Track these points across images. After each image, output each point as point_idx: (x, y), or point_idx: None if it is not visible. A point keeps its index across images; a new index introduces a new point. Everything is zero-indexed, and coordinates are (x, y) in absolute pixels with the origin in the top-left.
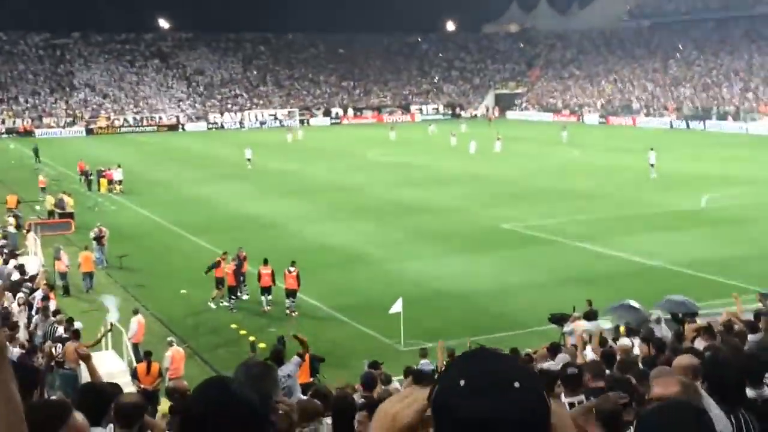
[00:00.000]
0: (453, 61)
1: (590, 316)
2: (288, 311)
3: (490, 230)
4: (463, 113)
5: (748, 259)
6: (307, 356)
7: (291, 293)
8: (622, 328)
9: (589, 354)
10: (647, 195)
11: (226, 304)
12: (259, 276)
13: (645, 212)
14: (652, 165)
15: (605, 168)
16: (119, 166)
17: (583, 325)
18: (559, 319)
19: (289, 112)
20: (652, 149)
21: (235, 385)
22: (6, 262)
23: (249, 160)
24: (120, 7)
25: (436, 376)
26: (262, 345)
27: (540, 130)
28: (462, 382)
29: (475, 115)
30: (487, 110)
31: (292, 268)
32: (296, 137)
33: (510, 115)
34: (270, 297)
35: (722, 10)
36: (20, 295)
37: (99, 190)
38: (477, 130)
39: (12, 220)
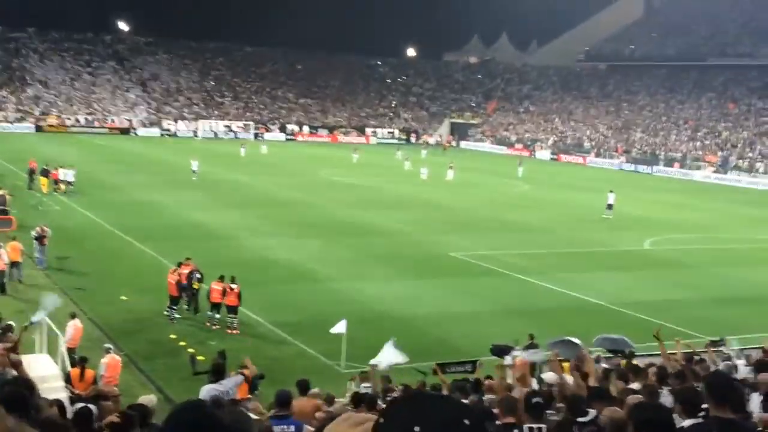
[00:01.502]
0: (411, 87)
1: (531, 349)
2: (228, 328)
3: (438, 257)
4: (428, 140)
5: (686, 303)
6: (247, 373)
7: (231, 309)
8: (566, 365)
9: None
10: (593, 233)
11: (177, 315)
12: (210, 292)
13: (590, 250)
14: (609, 206)
15: (554, 203)
16: (72, 167)
17: (523, 356)
18: (501, 351)
19: (245, 124)
20: (611, 191)
21: (210, 408)
22: None
23: (194, 171)
24: (80, 6)
25: (378, 407)
26: (200, 358)
27: (493, 162)
28: (417, 429)
29: (427, 143)
30: (441, 138)
31: (234, 285)
32: (259, 151)
33: (464, 144)
34: (218, 315)
35: (676, 59)
36: None
37: (40, 188)
38: (431, 158)
39: None
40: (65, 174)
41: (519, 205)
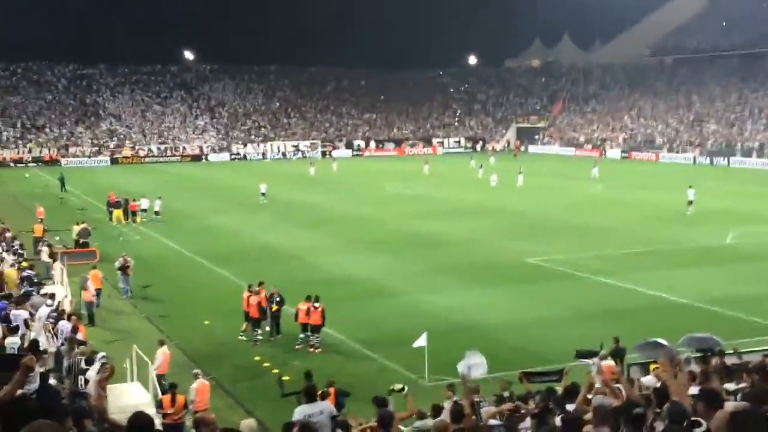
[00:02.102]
0: (475, 95)
1: (618, 353)
2: (310, 347)
3: (513, 264)
4: (496, 146)
5: None
6: (332, 390)
7: (315, 329)
8: (652, 366)
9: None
10: (672, 231)
11: (259, 337)
12: (297, 312)
13: (670, 248)
14: (690, 202)
15: (629, 203)
16: (159, 197)
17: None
18: (586, 355)
19: (312, 143)
20: (691, 187)
21: None
22: (37, 292)
23: (263, 194)
24: (146, 40)
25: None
26: (286, 378)
27: (562, 164)
28: None
29: (494, 149)
30: (508, 144)
31: (317, 304)
32: (331, 169)
33: (532, 149)
34: (307, 334)
35: (745, 47)
36: (47, 323)
37: (111, 220)
38: (500, 164)
39: (46, 249)
40: (149, 203)
41: (593, 207)
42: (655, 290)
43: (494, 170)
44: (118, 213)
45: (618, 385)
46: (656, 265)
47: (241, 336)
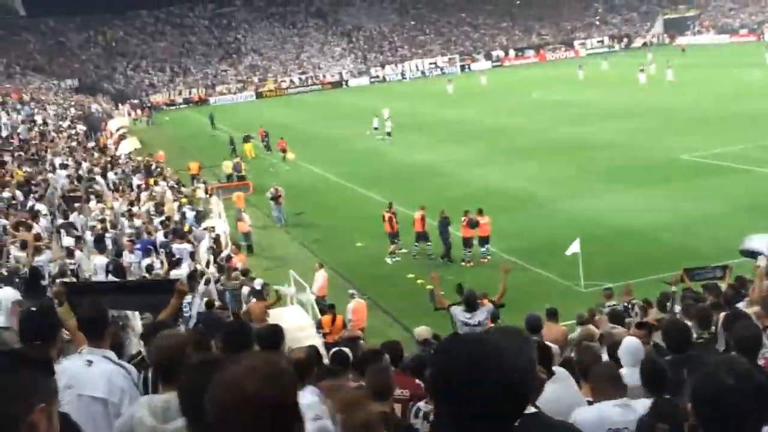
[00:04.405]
0: None
1: None
2: (483, 258)
3: (667, 162)
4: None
5: None
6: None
7: (484, 240)
8: None
9: None
10: None
11: (404, 250)
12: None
13: None
14: None
15: None
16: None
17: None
18: (753, 253)
19: (450, 59)
20: None
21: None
22: (197, 226)
23: (376, 129)
24: None
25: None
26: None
27: (715, 54)
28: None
29: (645, 44)
30: (672, 38)
31: (485, 217)
32: (480, 83)
33: (681, 41)
34: (430, 243)
35: None
36: (208, 255)
37: (246, 153)
38: (659, 60)
39: (201, 185)
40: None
41: (751, 95)
42: None
43: (644, 67)
44: (248, 147)
45: None
46: None
47: (387, 259)
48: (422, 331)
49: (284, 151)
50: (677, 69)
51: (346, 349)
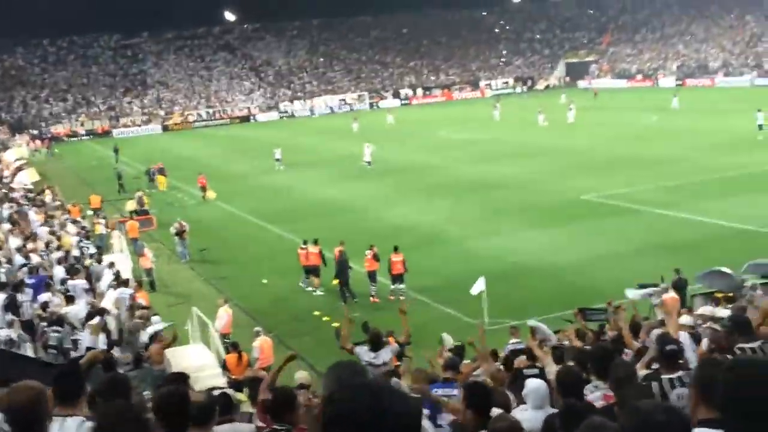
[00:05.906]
0: (521, 33)
1: (679, 284)
2: (392, 296)
3: (569, 202)
4: (547, 82)
5: None
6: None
7: (398, 278)
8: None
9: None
10: (734, 157)
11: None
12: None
13: (732, 174)
14: (760, 126)
15: (685, 132)
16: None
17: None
18: (646, 288)
19: (359, 95)
20: (759, 110)
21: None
22: (99, 262)
23: (278, 160)
24: (186, 3)
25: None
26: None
27: (613, 98)
28: None
29: (548, 86)
30: (590, 83)
31: (399, 254)
32: (386, 121)
33: (582, 84)
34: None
35: None
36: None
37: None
38: (558, 103)
39: (102, 220)
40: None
41: (648, 138)
42: (717, 218)
43: (543, 109)
44: (161, 179)
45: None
46: (718, 194)
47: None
48: (301, 376)
49: (204, 188)
50: (582, 111)
51: (230, 392)
